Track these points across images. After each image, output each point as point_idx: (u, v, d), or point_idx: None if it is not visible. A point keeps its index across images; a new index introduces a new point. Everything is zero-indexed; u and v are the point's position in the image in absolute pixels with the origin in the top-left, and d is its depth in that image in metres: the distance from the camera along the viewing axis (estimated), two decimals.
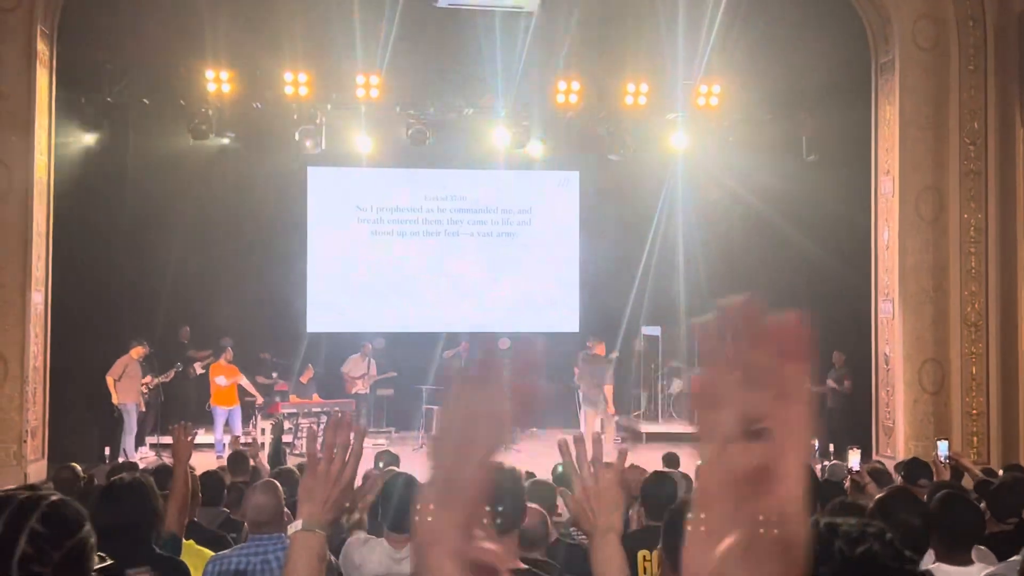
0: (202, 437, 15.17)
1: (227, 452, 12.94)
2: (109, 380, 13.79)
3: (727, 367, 0.78)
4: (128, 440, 13.73)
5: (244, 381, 14.75)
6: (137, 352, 14.04)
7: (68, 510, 1.67)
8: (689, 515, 0.74)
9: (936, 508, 3.62)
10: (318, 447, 1.96)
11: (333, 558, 4.06)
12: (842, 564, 1.43)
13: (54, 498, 1.67)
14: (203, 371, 15.31)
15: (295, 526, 1.91)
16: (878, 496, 3.40)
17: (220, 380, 14.52)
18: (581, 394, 15.00)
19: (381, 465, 7.68)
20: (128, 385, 13.86)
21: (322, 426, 14.13)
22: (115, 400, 13.80)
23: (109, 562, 1.70)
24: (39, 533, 1.59)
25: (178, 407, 15.40)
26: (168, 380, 14.60)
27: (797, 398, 0.75)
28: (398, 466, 7.73)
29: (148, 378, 14.44)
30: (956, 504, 3.64)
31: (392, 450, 9.40)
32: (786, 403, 0.75)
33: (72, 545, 1.62)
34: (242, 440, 13.20)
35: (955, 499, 3.70)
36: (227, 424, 14.60)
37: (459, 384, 0.88)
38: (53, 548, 1.59)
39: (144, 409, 14.26)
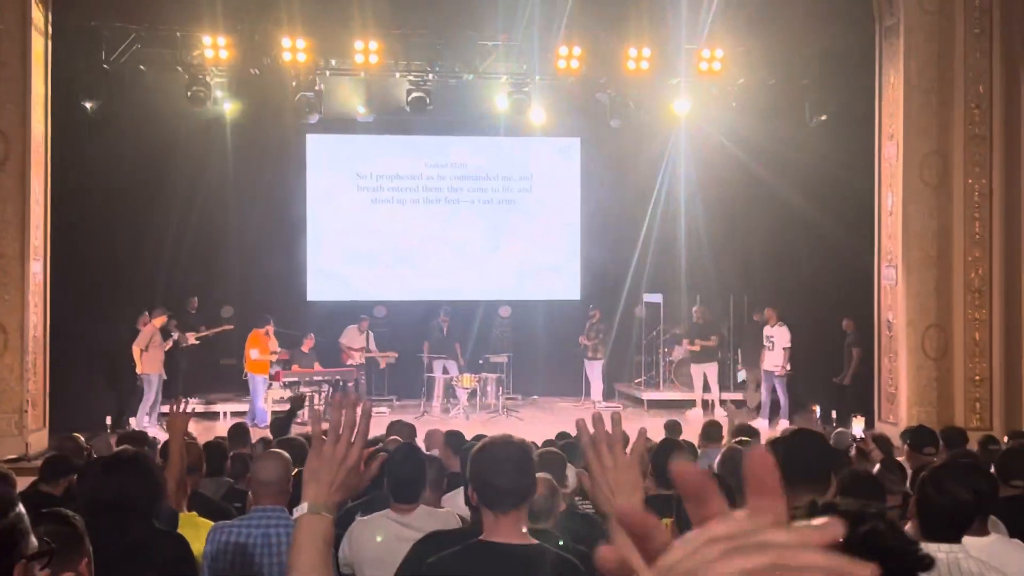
0: (208, 407, 15.22)
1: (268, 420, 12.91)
2: (135, 351, 13.63)
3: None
4: (143, 409, 13.68)
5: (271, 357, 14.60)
6: (160, 321, 13.86)
7: None
8: None
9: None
10: (322, 427, 1.90)
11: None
12: (844, 545, 1.37)
13: None
14: (196, 341, 15.24)
15: (301, 509, 1.86)
16: (932, 467, 3.37)
17: (254, 353, 14.33)
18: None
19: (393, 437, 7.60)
20: (152, 355, 13.72)
21: (324, 399, 14.12)
22: (139, 370, 13.69)
23: (52, 546, 1.64)
24: None
25: (175, 377, 15.43)
26: (166, 350, 14.52)
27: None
28: (414, 437, 7.67)
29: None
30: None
31: (394, 419, 9.34)
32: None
33: (3, 527, 1.55)
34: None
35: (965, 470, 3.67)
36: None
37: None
38: None
39: (165, 377, 14.16)
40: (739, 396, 15.86)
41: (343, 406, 1.88)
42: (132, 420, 13.57)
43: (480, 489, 2.61)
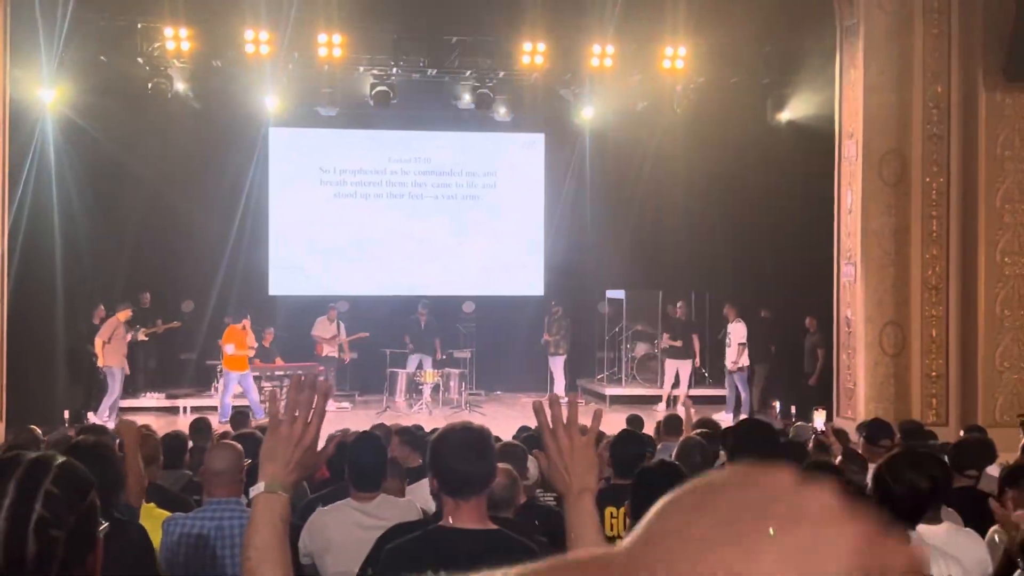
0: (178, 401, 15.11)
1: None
2: (98, 343, 13.58)
3: None
4: (107, 403, 13.53)
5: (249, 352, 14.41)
6: (124, 315, 13.77)
7: (79, 471, 1.61)
8: None
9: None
10: (280, 407, 1.92)
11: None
12: None
13: (63, 459, 1.61)
14: (145, 338, 15.11)
15: (257, 488, 1.87)
16: (889, 456, 3.44)
17: (228, 348, 14.16)
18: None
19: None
20: (115, 348, 13.63)
21: (285, 387, 14.05)
22: (100, 363, 13.61)
23: (106, 524, 1.66)
24: (54, 495, 1.51)
25: (133, 372, 15.32)
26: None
27: None
28: (390, 439, 7.65)
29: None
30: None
31: (357, 414, 9.35)
32: None
33: (86, 507, 1.56)
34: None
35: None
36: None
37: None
38: (68, 510, 1.53)
39: (128, 372, 14.02)
40: (703, 392, 15.96)
41: (301, 387, 1.90)
42: (91, 415, 13.44)
43: (440, 475, 2.63)
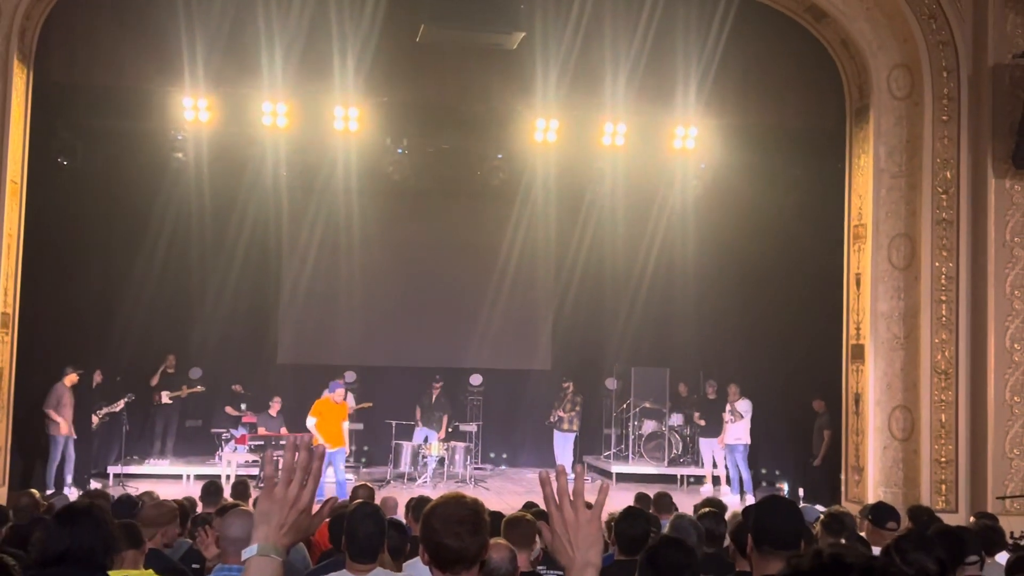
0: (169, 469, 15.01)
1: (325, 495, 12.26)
2: (51, 412, 13.14)
3: None
4: (51, 471, 12.98)
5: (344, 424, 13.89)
6: (71, 379, 13.36)
7: None
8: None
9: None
10: (275, 469, 1.91)
11: None
12: None
13: None
14: (170, 401, 15.14)
15: (250, 550, 1.85)
16: (897, 537, 3.40)
17: (309, 422, 13.59)
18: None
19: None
20: (61, 415, 13.17)
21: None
22: (55, 431, 13.08)
23: None
24: None
25: (146, 436, 15.30)
26: (117, 411, 14.25)
27: None
28: (373, 500, 7.65)
29: (111, 407, 14.23)
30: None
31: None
32: None
33: None
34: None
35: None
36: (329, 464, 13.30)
37: None
38: None
39: (76, 437, 13.43)
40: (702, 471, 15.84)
41: (296, 448, 1.89)
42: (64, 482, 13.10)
43: (430, 549, 2.61)
